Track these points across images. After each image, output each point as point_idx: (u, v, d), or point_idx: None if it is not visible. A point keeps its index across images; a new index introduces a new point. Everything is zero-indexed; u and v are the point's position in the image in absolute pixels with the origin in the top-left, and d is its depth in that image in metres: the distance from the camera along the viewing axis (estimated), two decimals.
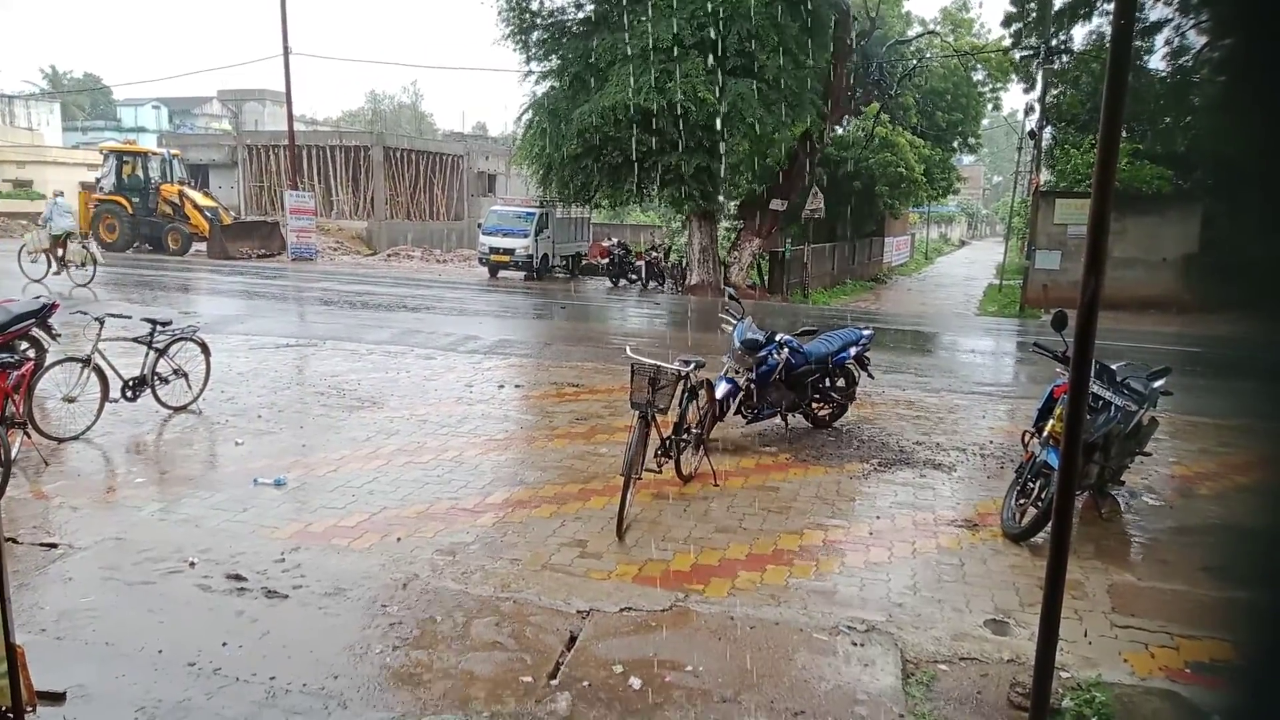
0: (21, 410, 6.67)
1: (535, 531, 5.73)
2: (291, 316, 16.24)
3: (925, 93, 33.36)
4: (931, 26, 34.14)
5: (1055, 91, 24.63)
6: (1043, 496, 5.71)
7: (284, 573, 4.93)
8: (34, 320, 7.82)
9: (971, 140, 37.96)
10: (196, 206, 26.94)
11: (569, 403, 9.44)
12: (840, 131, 28.99)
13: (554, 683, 3.90)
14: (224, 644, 4.11)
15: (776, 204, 23.42)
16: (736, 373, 7.84)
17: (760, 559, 5.42)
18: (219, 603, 4.56)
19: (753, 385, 7.85)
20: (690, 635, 4.36)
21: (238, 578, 4.83)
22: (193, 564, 4.99)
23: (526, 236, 24.77)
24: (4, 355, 6.92)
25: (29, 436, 6.76)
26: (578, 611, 4.55)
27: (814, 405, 8.51)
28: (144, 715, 3.52)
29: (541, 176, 22.75)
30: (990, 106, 37.90)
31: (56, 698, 3.56)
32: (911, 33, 32.06)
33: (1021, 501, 5.92)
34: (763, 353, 7.80)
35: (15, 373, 6.65)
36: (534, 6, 22.12)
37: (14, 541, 5.02)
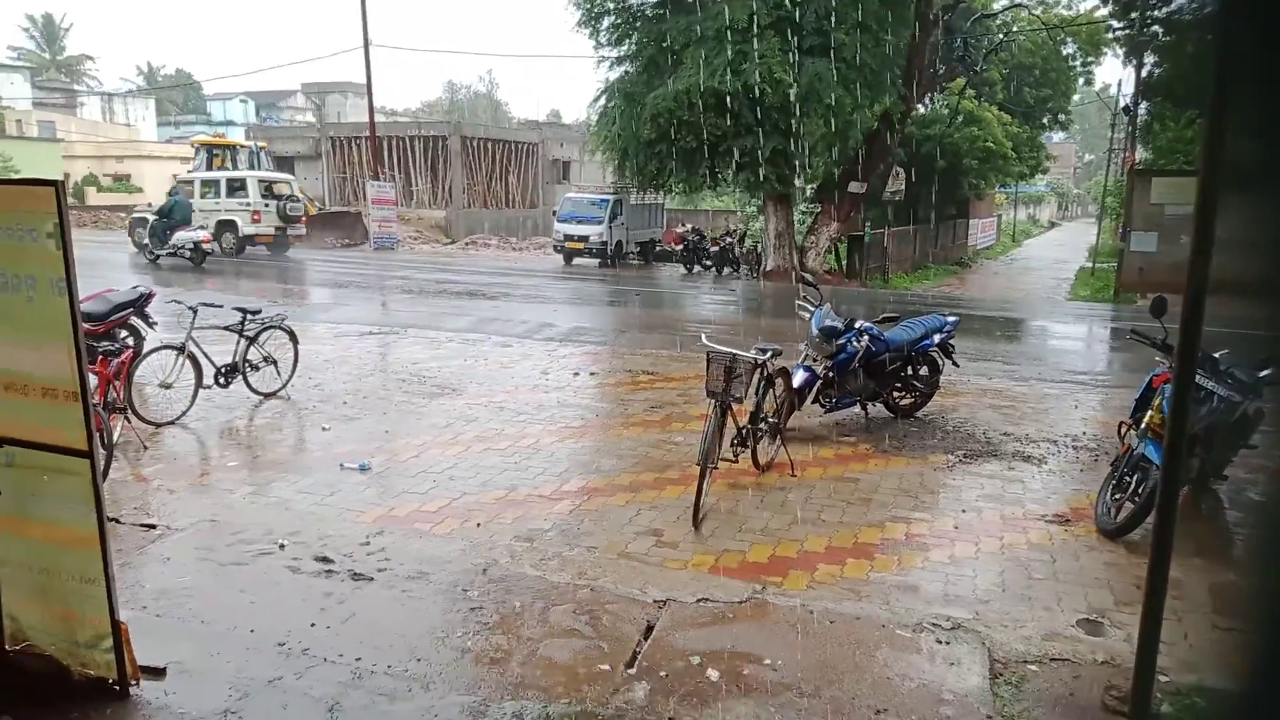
0: (122, 396, 6.99)
1: (611, 520, 5.75)
2: (374, 305, 16.65)
3: (1012, 67, 32.12)
4: None
5: (1152, 63, 23.43)
6: (1140, 491, 5.45)
7: (369, 555, 5.05)
8: (132, 309, 8.16)
9: (1061, 117, 36.42)
10: None
11: (644, 390, 9.44)
12: (922, 110, 28.16)
13: (631, 672, 3.90)
14: (312, 624, 4.23)
15: (855, 186, 22.92)
16: (814, 361, 7.70)
17: (840, 552, 5.32)
18: (308, 584, 4.70)
19: (831, 374, 7.70)
20: (768, 628, 4.30)
21: (325, 560, 4.96)
22: (283, 546, 5.15)
23: (600, 223, 24.85)
24: (106, 343, 7.26)
25: (129, 421, 7.09)
26: (654, 601, 4.54)
27: (895, 394, 8.31)
28: (237, 693, 3.65)
29: (616, 163, 22.76)
30: (1082, 81, 36.26)
31: (157, 672, 3.72)
32: (998, 5, 30.90)
33: (1117, 496, 5.67)
34: (841, 340, 7.64)
35: (116, 360, 6.97)
36: None
37: (116, 522, 5.25)
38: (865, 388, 7.92)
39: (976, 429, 8.12)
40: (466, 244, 31.41)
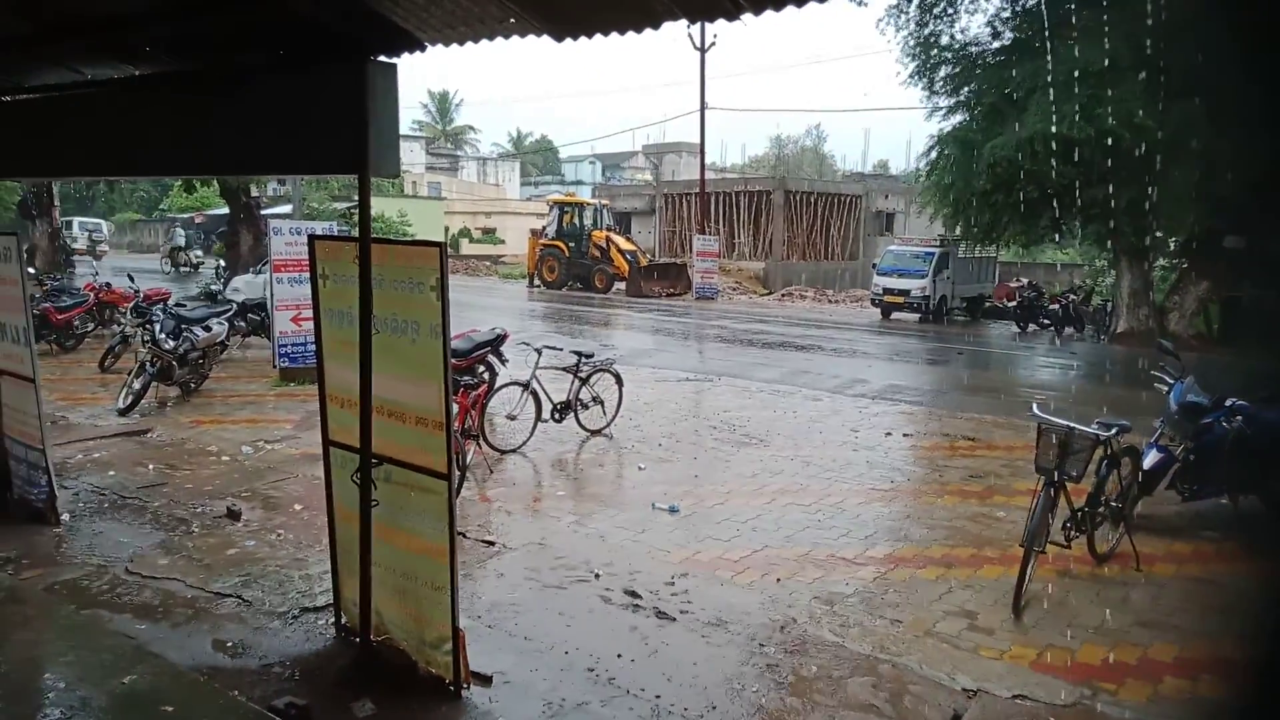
0: (476, 424, 7.95)
1: (919, 594, 5.44)
2: (692, 353, 17.38)
3: None
4: None
5: None
6: None
7: (673, 596, 5.24)
8: (490, 348, 9.30)
9: None
10: (619, 250, 30.12)
11: (962, 457, 8.86)
12: None
13: None
14: (619, 655, 4.47)
15: (1233, 240, 19.81)
16: (1171, 440, 6.74)
17: (1193, 665, 4.57)
18: (616, 616, 4.98)
19: (1192, 457, 6.69)
20: None
21: (633, 595, 5.23)
22: (597, 576, 5.51)
23: (924, 277, 23.89)
24: (467, 377, 8.32)
25: (480, 447, 8.03)
26: (963, 689, 4.21)
27: (1276, 487, 7.00)
28: (549, 710, 3.95)
29: (947, 215, 21.84)
30: None
31: (485, 679, 4.14)
32: None
33: None
34: (1208, 419, 6.62)
35: (474, 393, 7.96)
36: (943, 41, 21.43)
37: (463, 536, 5.95)
38: (1236, 476, 6.77)
39: None
40: (782, 295, 31.76)
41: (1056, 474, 5.33)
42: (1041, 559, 5.43)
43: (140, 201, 54.52)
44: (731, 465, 8.34)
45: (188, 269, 31.98)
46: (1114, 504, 5.98)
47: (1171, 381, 7.03)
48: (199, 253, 34.70)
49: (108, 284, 15.28)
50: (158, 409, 10.04)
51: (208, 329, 10.71)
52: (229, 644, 4.53)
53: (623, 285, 29.75)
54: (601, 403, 9.38)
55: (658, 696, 4.09)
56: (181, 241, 34.10)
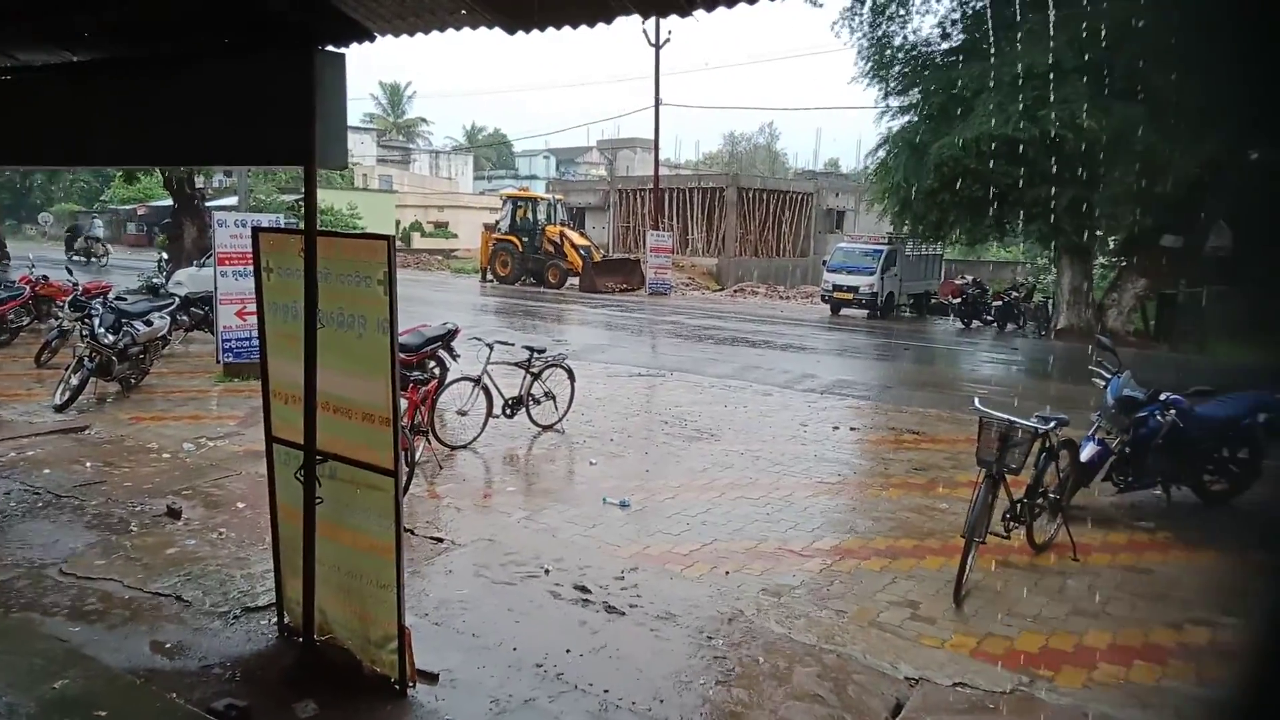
0: (426, 420, 7.87)
1: (864, 585, 5.54)
2: (645, 348, 17.41)
3: None
4: None
5: None
6: None
7: (623, 590, 5.25)
8: (441, 343, 9.20)
9: None
10: (573, 245, 30.04)
11: (907, 451, 9.03)
12: (1255, 157, 24.64)
13: None
14: (567, 651, 4.48)
15: (1169, 239, 20.49)
16: (1108, 434, 6.95)
17: (1126, 651, 4.74)
18: (566, 611, 4.98)
19: (1127, 449, 6.91)
20: None
21: (583, 590, 5.24)
22: (547, 571, 5.50)
23: (872, 274, 24.27)
24: (417, 372, 8.22)
25: (430, 443, 7.96)
26: (905, 678, 4.30)
27: (1206, 478, 7.27)
28: (497, 707, 3.94)
29: (895, 213, 22.20)
30: None
31: (432, 678, 4.11)
32: None
33: None
34: (1142, 413, 6.85)
35: (424, 388, 7.87)
36: (896, 42, 21.76)
37: (410, 533, 5.90)
38: (1168, 468, 7.01)
39: None
40: (734, 291, 31.99)
41: (997, 466, 5.47)
42: (982, 549, 5.57)
43: (81, 192, 52.82)
44: (682, 460, 8.38)
45: (81, 259, 30.56)
46: (1052, 495, 6.15)
47: (1109, 376, 7.24)
48: (105, 245, 33.76)
49: (44, 277, 14.79)
50: (96, 405, 9.76)
51: (149, 323, 10.43)
52: (167, 645, 4.43)
53: (576, 280, 29.67)
54: (553, 398, 9.36)
55: (606, 691, 4.10)
56: (100, 233, 33.33)
